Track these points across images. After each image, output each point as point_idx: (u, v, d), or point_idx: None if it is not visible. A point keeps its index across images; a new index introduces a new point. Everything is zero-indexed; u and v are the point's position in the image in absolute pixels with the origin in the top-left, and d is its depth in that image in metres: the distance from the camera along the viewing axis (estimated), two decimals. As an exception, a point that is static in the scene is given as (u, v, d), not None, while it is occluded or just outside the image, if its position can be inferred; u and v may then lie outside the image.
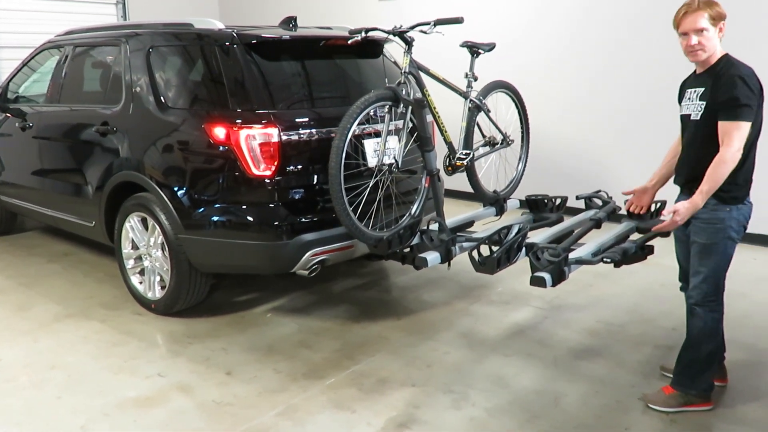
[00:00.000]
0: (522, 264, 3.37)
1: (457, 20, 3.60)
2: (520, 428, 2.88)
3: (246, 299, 4.39)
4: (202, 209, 3.71)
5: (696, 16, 2.72)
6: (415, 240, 3.65)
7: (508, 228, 3.44)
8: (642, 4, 5.71)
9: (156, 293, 4.08)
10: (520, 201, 4.59)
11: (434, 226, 3.71)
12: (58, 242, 5.67)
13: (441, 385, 3.23)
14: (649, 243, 3.46)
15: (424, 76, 3.77)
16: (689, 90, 2.93)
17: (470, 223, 4.11)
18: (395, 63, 4.27)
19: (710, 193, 2.71)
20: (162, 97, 3.92)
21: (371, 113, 3.46)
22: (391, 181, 3.58)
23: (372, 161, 3.69)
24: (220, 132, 3.56)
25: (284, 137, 3.52)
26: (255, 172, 3.51)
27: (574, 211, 4.24)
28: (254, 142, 3.49)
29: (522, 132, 4.64)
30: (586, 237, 3.67)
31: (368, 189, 3.49)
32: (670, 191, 3.18)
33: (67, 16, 7.90)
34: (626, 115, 5.96)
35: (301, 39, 4.01)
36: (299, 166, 3.61)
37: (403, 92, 3.54)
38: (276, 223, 3.57)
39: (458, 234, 3.72)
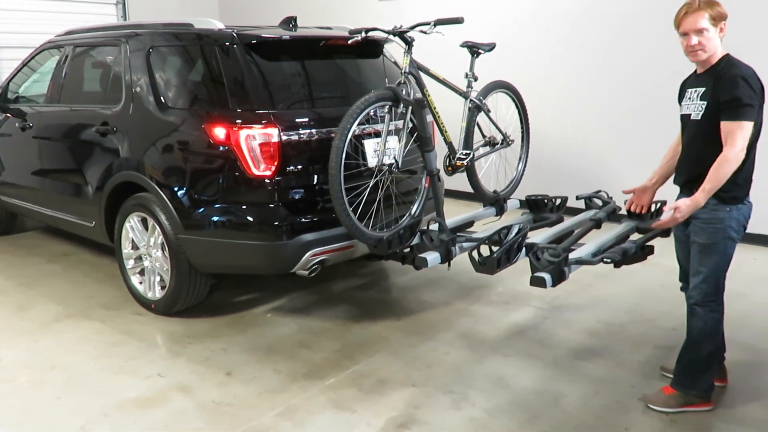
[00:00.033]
0: (522, 264, 3.37)
1: (457, 20, 3.60)
2: (520, 428, 2.88)
3: (246, 299, 4.39)
4: (202, 209, 3.70)
5: (696, 16, 2.72)
6: (415, 240, 3.65)
7: (508, 228, 3.43)
8: (642, 3, 5.71)
9: (156, 293, 4.08)
10: (520, 201, 4.59)
11: (434, 227, 3.71)
12: (58, 242, 5.67)
13: (441, 386, 3.23)
14: (649, 243, 3.46)
15: (424, 76, 3.77)
16: (690, 90, 2.93)
17: (470, 224, 4.11)
18: (395, 63, 4.27)
19: (712, 192, 2.71)
20: (162, 97, 3.92)
21: (371, 113, 3.46)
22: (391, 182, 3.58)
23: (372, 161, 3.69)
24: (220, 132, 3.56)
25: (284, 137, 3.52)
26: (255, 172, 3.51)
27: (574, 212, 4.23)
28: (254, 142, 3.49)
29: (522, 132, 4.64)
30: (586, 237, 3.67)
31: (368, 189, 3.49)
32: (669, 192, 3.18)
33: (67, 16, 7.90)
34: (626, 115, 5.96)
35: (301, 39, 4.01)
36: (299, 166, 3.61)
37: (403, 92, 3.54)
38: (276, 223, 3.57)
39: (458, 234, 3.72)
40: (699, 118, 2.83)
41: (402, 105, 3.51)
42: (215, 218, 3.67)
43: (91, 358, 3.57)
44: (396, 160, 3.53)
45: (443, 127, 3.90)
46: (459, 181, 4.45)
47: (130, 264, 4.21)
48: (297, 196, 3.63)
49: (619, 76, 5.96)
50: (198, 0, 9.30)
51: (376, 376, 3.34)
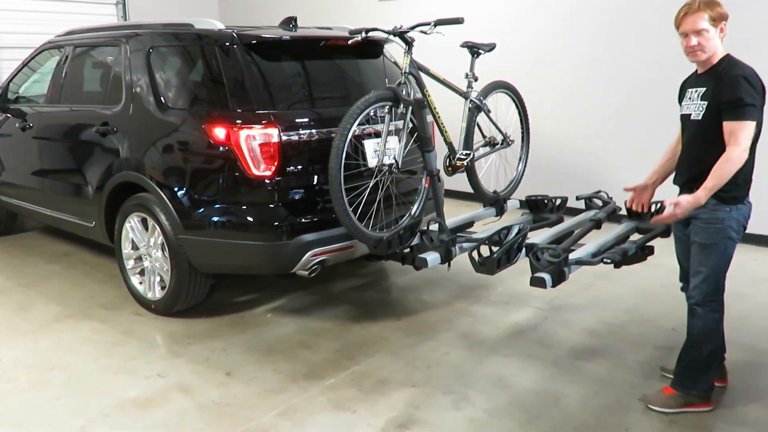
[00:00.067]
0: (522, 264, 3.37)
1: (458, 21, 3.60)
2: (520, 428, 2.88)
3: (246, 300, 4.39)
4: (202, 209, 3.70)
5: (696, 17, 2.72)
6: (415, 240, 3.65)
7: (508, 228, 3.44)
8: (642, 3, 5.71)
9: (156, 293, 4.08)
10: (520, 201, 4.59)
11: (434, 227, 3.71)
12: (57, 242, 5.67)
13: (441, 386, 3.23)
14: (649, 244, 3.46)
15: (424, 77, 3.77)
16: (690, 90, 2.94)
17: (470, 224, 4.11)
18: (395, 63, 4.27)
19: (714, 190, 2.71)
20: (162, 98, 3.92)
21: (371, 114, 3.46)
22: (391, 182, 3.58)
23: (372, 162, 3.69)
24: (220, 132, 3.56)
25: (284, 137, 3.52)
26: (255, 172, 3.51)
27: (574, 212, 4.24)
28: (254, 142, 3.49)
29: (522, 132, 4.64)
30: (586, 237, 3.67)
31: (368, 189, 3.49)
32: (669, 192, 3.17)
33: (67, 16, 7.90)
34: (626, 115, 5.96)
35: (301, 39, 4.01)
36: (299, 167, 3.61)
37: (404, 92, 3.54)
38: (276, 224, 3.56)
39: (458, 234, 3.72)
40: (699, 118, 2.83)
41: (402, 105, 3.51)
42: (215, 218, 3.67)
43: (91, 358, 3.57)
44: (396, 161, 3.53)
45: (443, 127, 3.90)
46: (459, 182, 4.45)
47: (130, 264, 4.21)
48: (297, 197, 3.63)
49: (619, 76, 5.96)
50: (198, 0, 9.30)
51: (376, 376, 3.34)
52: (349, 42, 3.78)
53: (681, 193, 3.00)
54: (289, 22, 4.10)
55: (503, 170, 4.59)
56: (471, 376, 3.34)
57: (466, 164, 4.01)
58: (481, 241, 3.43)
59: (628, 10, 5.82)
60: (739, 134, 2.68)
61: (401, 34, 3.64)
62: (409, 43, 3.66)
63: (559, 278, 3.11)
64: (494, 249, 3.28)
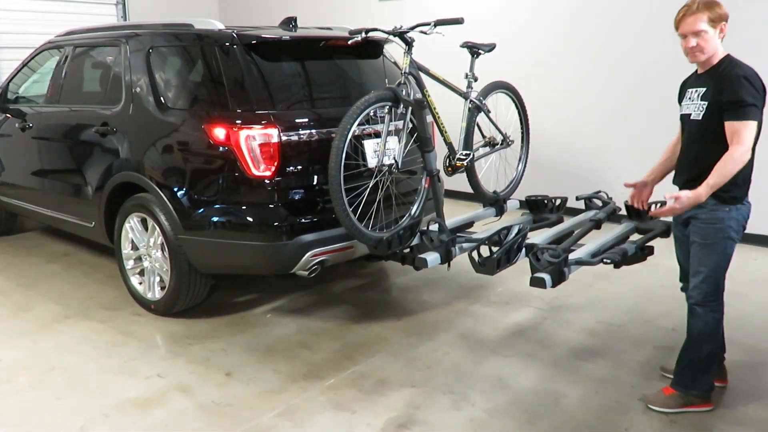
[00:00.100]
0: (522, 265, 3.37)
1: (458, 21, 3.60)
2: (520, 429, 2.88)
3: (245, 300, 4.39)
4: (202, 210, 3.70)
5: (694, 18, 2.73)
6: (415, 241, 3.65)
7: (508, 229, 3.44)
8: (641, 3, 5.71)
9: (156, 294, 4.08)
10: (520, 201, 4.59)
11: (434, 227, 3.71)
12: (57, 243, 5.67)
13: (441, 386, 3.23)
14: (648, 244, 3.46)
15: (424, 77, 3.77)
16: (690, 90, 2.94)
17: (470, 224, 4.11)
18: (395, 63, 4.27)
19: (715, 187, 2.70)
20: (162, 98, 3.92)
21: (371, 114, 3.46)
22: (390, 182, 3.58)
23: (372, 162, 3.69)
24: (220, 132, 3.56)
25: (284, 138, 3.52)
26: (255, 172, 3.51)
27: (574, 212, 4.24)
28: (254, 142, 3.49)
29: (522, 132, 4.64)
30: (586, 238, 3.67)
31: (368, 189, 3.49)
32: (668, 191, 3.17)
33: (67, 16, 7.90)
34: (626, 115, 5.96)
35: (301, 39, 4.01)
36: (299, 167, 3.61)
37: (403, 93, 3.54)
38: (276, 224, 3.56)
39: (458, 235, 3.72)
40: (699, 118, 2.83)
41: (402, 105, 3.51)
42: (215, 219, 3.67)
43: (91, 358, 3.57)
44: (396, 161, 3.53)
45: (443, 127, 3.90)
46: (459, 182, 4.45)
47: (129, 264, 4.21)
48: (297, 197, 3.63)
49: (619, 76, 5.96)
50: (198, 0, 9.30)
51: (376, 376, 3.34)
52: (349, 42, 3.78)
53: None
54: (289, 23, 4.10)
55: (503, 170, 4.59)
56: (471, 376, 3.34)
57: (465, 164, 4.01)
58: (481, 242, 3.43)
59: (628, 10, 5.82)
60: (742, 134, 2.68)
61: (401, 35, 3.64)
62: (409, 44, 3.66)
63: (559, 278, 3.11)
64: (494, 249, 3.28)
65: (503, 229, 3.43)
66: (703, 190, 2.71)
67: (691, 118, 2.88)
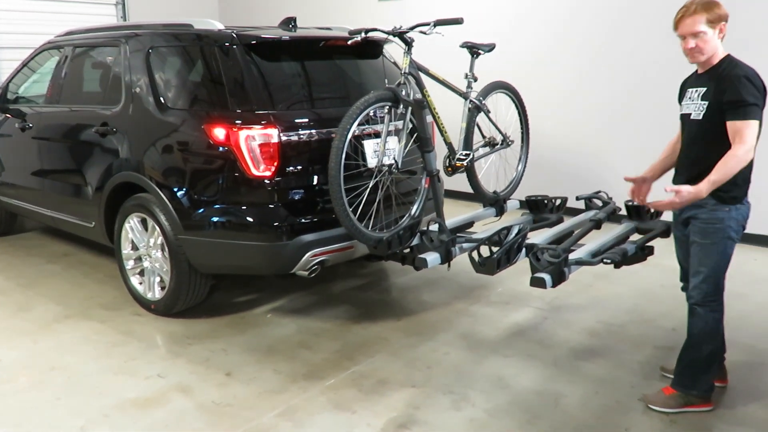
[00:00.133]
0: (522, 265, 3.38)
1: (457, 21, 3.60)
2: (520, 429, 2.88)
3: (246, 300, 4.39)
4: (202, 210, 3.70)
5: (693, 19, 2.73)
6: (415, 241, 3.65)
7: (508, 229, 3.44)
8: (641, 3, 5.71)
9: (156, 294, 4.08)
10: (520, 201, 4.59)
11: (434, 227, 3.71)
12: (57, 243, 5.67)
13: (441, 386, 3.23)
14: (649, 244, 3.46)
15: (424, 77, 3.77)
16: (690, 89, 2.94)
17: (470, 224, 4.11)
18: (395, 64, 4.27)
19: (717, 184, 2.70)
20: (162, 98, 3.92)
21: (371, 114, 3.46)
22: (390, 182, 3.58)
23: (372, 162, 3.69)
24: (219, 133, 3.56)
25: (284, 138, 3.52)
26: (255, 172, 3.51)
27: (574, 212, 4.24)
28: (254, 142, 3.49)
29: (522, 132, 4.64)
30: (586, 238, 3.68)
31: (368, 190, 3.49)
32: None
33: (67, 16, 7.91)
34: (626, 115, 5.96)
35: (301, 39, 4.01)
36: (299, 167, 3.61)
37: (403, 93, 3.54)
38: (276, 224, 3.56)
39: (458, 235, 3.72)
40: (700, 117, 2.83)
41: (402, 105, 3.51)
42: (215, 219, 3.67)
43: (91, 358, 3.57)
44: (396, 161, 3.53)
45: (443, 127, 3.90)
46: (459, 182, 4.45)
47: (129, 264, 4.21)
48: (297, 197, 3.63)
49: (618, 76, 5.96)
50: (198, 0, 9.30)
51: (376, 376, 3.34)
52: (349, 42, 3.78)
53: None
54: (289, 23, 4.10)
55: (503, 170, 4.59)
56: (471, 376, 3.34)
57: (465, 164, 4.01)
58: (481, 242, 3.43)
59: (628, 10, 5.82)
60: (744, 133, 2.68)
61: (401, 35, 3.64)
62: (408, 44, 3.66)
63: (559, 278, 3.11)
64: (494, 249, 3.28)
65: (503, 229, 3.43)
66: (704, 186, 2.70)
67: (691, 117, 2.88)
